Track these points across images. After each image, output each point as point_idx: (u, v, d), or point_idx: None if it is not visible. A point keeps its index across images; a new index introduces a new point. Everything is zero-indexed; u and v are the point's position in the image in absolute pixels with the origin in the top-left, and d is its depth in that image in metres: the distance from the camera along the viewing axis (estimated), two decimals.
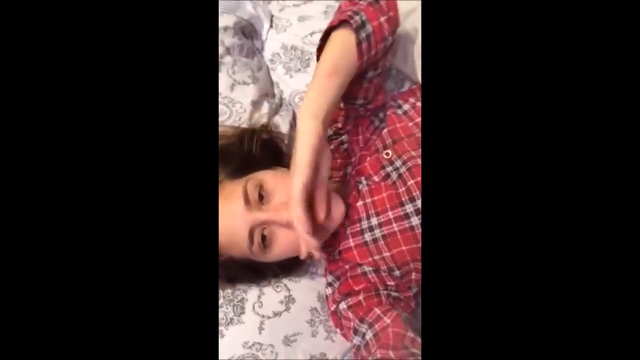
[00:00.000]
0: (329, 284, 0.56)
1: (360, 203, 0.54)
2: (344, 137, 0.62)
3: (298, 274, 0.60)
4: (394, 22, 0.53)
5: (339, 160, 0.60)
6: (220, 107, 0.63)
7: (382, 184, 0.54)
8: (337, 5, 0.73)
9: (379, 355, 0.44)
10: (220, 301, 0.56)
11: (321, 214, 0.47)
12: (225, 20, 0.67)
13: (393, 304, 0.51)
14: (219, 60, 0.65)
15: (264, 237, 0.49)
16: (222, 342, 0.54)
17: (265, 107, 0.65)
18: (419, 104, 0.59)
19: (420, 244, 0.51)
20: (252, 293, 0.57)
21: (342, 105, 0.60)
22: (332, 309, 0.55)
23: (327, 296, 0.56)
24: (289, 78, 0.71)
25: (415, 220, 0.51)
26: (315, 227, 0.48)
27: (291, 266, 0.58)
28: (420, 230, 0.50)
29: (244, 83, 0.65)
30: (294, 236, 0.49)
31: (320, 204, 0.47)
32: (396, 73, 0.67)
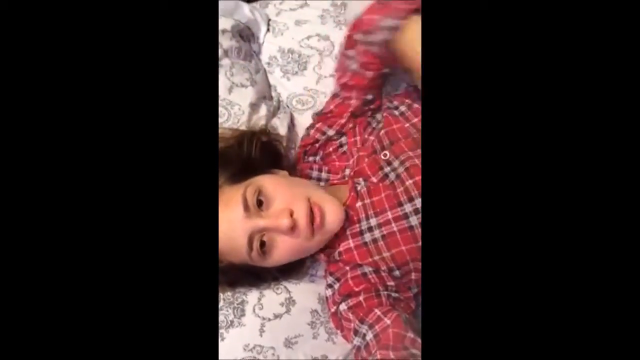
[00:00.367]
0: (329, 286, 0.56)
1: (359, 204, 0.54)
2: (343, 139, 0.62)
3: (297, 277, 0.60)
4: None
5: (337, 163, 0.61)
6: (219, 109, 0.63)
7: (381, 184, 0.54)
8: (332, 9, 0.75)
9: (379, 356, 0.44)
10: (221, 304, 0.56)
11: (317, 219, 0.48)
12: (223, 23, 0.67)
13: (393, 304, 0.51)
14: (218, 62, 0.65)
15: (263, 244, 0.49)
16: (222, 345, 0.53)
17: (263, 110, 0.66)
18: (416, 105, 0.60)
19: (419, 244, 0.51)
20: (252, 295, 0.57)
21: (353, 101, 0.60)
22: (333, 310, 0.54)
23: (327, 298, 0.56)
24: (287, 81, 0.72)
25: (414, 220, 0.51)
26: (315, 232, 0.48)
27: (291, 269, 0.58)
28: (419, 230, 0.51)
29: (242, 85, 0.65)
30: (294, 242, 0.49)
31: (317, 210, 0.48)
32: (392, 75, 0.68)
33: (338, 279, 0.55)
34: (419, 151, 0.53)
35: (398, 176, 0.53)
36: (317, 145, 0.63)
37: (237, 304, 0.56)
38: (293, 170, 0.61)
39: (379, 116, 0.62)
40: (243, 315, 0.55)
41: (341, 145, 0.62)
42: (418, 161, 0.52)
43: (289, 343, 0.54)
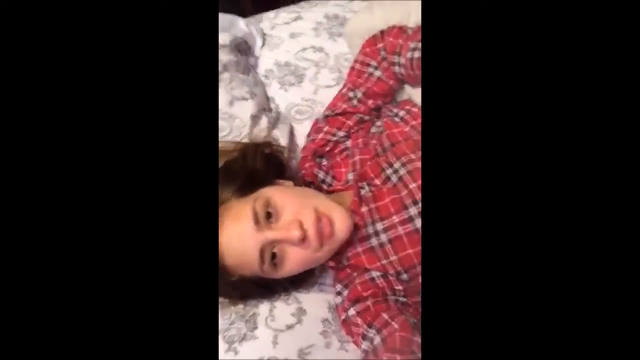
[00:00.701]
0: (338, 293, 0.56)
1: (364, 209, 0.55)
2: (348, 142, 0.63)
3: (307, 286, 0.60)
4: None
5: (342, 170, 0.61)
6: (221, 122, 0.63)
7: (384, 188, 0.55)
8: (326, 22, 0.76)
9: (385, 359, 0.44)
10: (233, 317, 0.55)
11: (326, 229, 0.48)
12: (222, 37, 0.68)
13: (401, 309, 0.52)
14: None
15: (274, 256, 0.49)
16: (237, 359, 0.53)
17: (264, 122, 0.66)
18: (414, 109, 0.62)
19: None
20: (263, 307, 0.56)
21: (370, 102, 0.64)
22: (343, 317, 0.54)
23: (337, 305, 0.56)
24: (284, 92, 0.73)
25: (420, 223, 0.52)
26: (324, 242, 0.49)
27: (301, 279, 0.58)
28: None
29: (243, 98, 0.66)
30: (304, 253, 0.49)
31: (326, 221, 0.49)
32: None
33: (346, 286, 0.55)
34: (420, 153, 0.55)
35: (400, 178, 0.54)
36: (327, 148, 0.64)
37: (249, 317, 0.55)
38: (296, 180, 0.62)
39: (379, 122, 0.63)
40: (255, 327, 0.55)
41: (346, 149, 0.63)
42: (419, 164, 0.53)
43: (302, 354, 0.54)
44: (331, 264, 0.57)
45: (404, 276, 0.54)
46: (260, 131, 0.65)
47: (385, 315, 0.49)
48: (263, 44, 0.76)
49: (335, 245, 0.52)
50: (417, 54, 0.57)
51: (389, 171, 0.55)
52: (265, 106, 0.70)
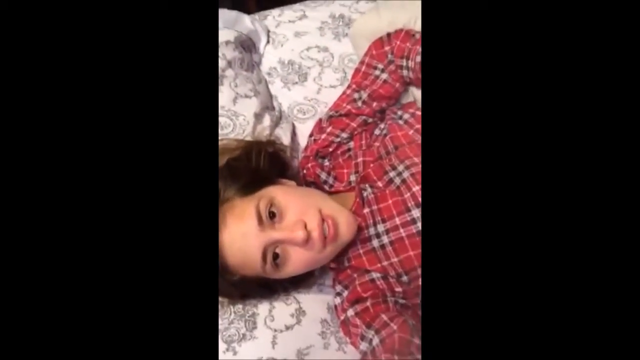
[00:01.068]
0: (338, 294, 0.56)
1: (366, 210, 0.55)
2: (351, 144, 0.63)
3: (306, 286, 0.59)
4: None
5: (344, 171, 0.61)
6: (224, 119, 0.63)
7: (387, 190, 0.55)
8: (331, 21, 0.76)
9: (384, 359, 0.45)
10: (232, 317, 0.55)
11: (331, 231, 0.48)
12: (226, 34, 0.67)
13: (400, 311, 0.52)
14: (222, 73, 0.65)
15: (276, 256, 0.49)
16: (236, 359, 0.52)
17: (267, 120, 0.66)
18: (419, 112, 0.62)
19: None
20: (263, 307, 0.56)
21: (375, 105, 0.64)
22: (342, 318, 0.54)
23: (336, 306, 0.56)
24: (287, 91, 0.72)
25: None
26: (327, 244, 0.49)
27: (301, 279, 0.58)
28: None
29: (246, 96, 0.65)
30: (307, 254, 0.49)
31: (331, 223, 0.49)
32: None
33: (346, 287, 0.55)
34: None
35: (404, 181, 0.54)
36: (329, 149, 0.64)
37: (249, 317, 0.55)
38: (298, 179, 0.62)
39: (383, 125, 0.63)
40: (255, 327, 0.54)
41: (349, 150, 0.63)
42: None
43: (300, 354, 0.54)
44: (332, 265, 0.57)
45: (405, 278, 0.54)
46: (263, 129, 0.64)
47: (384, 317, 0.49)
48: (267, 42, 0.75)
49: (339, 247, 0.52)
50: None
51: (392, 174, 0.55)
52: (268, 104, 0.69)
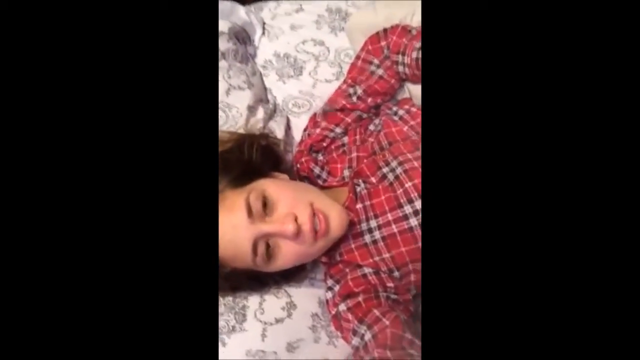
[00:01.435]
0: (329, 288, 0.56)
1: (359, 205, 0.55)
2: (345, 139, 0.63)
3: (298, 280, 0.59)
4: None
5: (338, 166, 0.61)
6: None
7: (380, 186, 0.55)
8: (327, 15, 0.76)
9: (376, 355, 0.45)
10: (222, 309, 0.54)
11: (322, 225, 0.48)
12: (220, 25, 0.67)
13: (392, 306, 0.52)
14: None
15: (267, 249, 0.49)
16: (224, 351, 0.52)
17: (260, 112, 0.65)
18: (414, 109, 0.62)
19: (419, 245, 0.52)
20: (253, 300, 0.56)
21: (370, 100, 0.64)
22: (333, 312, 0.54)
23: (327, 300, 0.56)
24: (283, 84, 0.72)
25: (414, 221, 0.52)
26: (318, 238, 0.49)
27: (292, 273, 0.58)
28: (419, 231, 0.52)
29: (240, 88, 0.65)
30: (298, 247, 0.49)
31: (322, 217, 0.49)
32: None
33: (338, 281, 0.55)
34: (418, 153, 0.55)
35: (397, 177, 0.54)
36: (323, 143, 0.63)
37: (239, 309, 0.55)
38: (291, 173, 0.61)
39: (377, 120, 0.63)
40: (244, 320, 0.54)
41: (343, 145, 0.63)
42: (417, 164, 0.54)
43: (290, 347, 0.54)
44: (324, 259, 0.57)
45: (396, 274, 0.54)
46: (257, 122, 0.64)
47: (376, 312, 0.49)
48: (263, 34, 0.74)
49: (330, 242, 0.52)
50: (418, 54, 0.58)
51: (385, 169, 0.55)
52: (262, 97, 0.69)
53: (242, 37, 0.71)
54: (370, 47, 0.64)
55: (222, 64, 0.65)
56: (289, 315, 0.56)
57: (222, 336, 0.53)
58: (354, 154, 0.60)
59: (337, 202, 0.53)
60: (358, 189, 0.56)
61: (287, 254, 0.50)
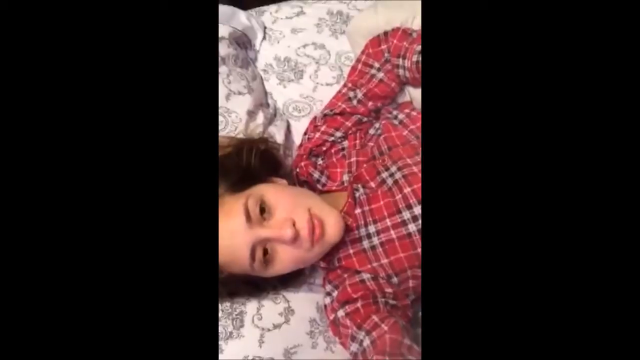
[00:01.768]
0: (328, 294, 0.56)
1: (358, 211, 0.55)
2: (345, 143, 0.63)
3: (296, 285, 0.59)
4: None
5: (338, 170, 0.61)
6: None
7: (379, 191, 0.55)
8: (328, 18, 0.75)
9: None
10: (219, 315, 0.55)
11: (317, 231, 0.48)
12: (220, 30, 0.67)
13: (390, 312, 0.52)
14: None
15: (265, 253, 0.49)
16: (222, 357, 0.52)
17: (260, 117, 0.65)
18: (414, 113, 0.61)
19: (417, 251, 0.52)
20: (251, 305, 0.56)
21: (370, 104, 0.63)
22: (331, 318, 0.54)
23: (325, 306, 0.56)
24: (283, 88, 0.72)
25: (413, 227, 0.52)
26: (314, 244, 0.48)
27: (290, 278, 0.58)
28: (417, 237, 0.51)
29: (240, 93, 0.65)
30: (295, 253, 0.49)
31: (317, 222, 0.49)
32: None
33: (336, 287, 0.55)
34: (417, 158, 0.54)
35: (395, 182, 0.53)
36: (323, 148, 0.63)
37: (236, 315, 0.55)
38: (290, 178, 0.61)
39: (377, 124, 0.63)
40: (242, 326, 0.54)
41: (343, 149, 0.63)
42: (416, 169, 0.53)
43: (288, 353, 0.54)
44: (322, 264, 0.57)
45: (395, 279, 0.54)
46: (257, 127, 0.64)
47: (375, 317, 0.49)
48: (264, 38, 0.74)
49: (326, 247, 0.52)
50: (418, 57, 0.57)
51: (384, 174, 0.55)
52: (262, 101, 0.69)
53: (243, 41, 0.71)
54: (370, 51, 0.63)
55: (222, 69, 0.65)
56: (287, 320, 0.56)
57: (220, 342, 0.53)
58: (354, 159, 0.60)
59: (336, 207, 0.53)
60: (357, 194, 0.56)
61: (285, 259, 0.50)
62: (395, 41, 0.61)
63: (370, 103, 0.63)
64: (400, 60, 0.60)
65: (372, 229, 0.54)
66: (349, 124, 0.63)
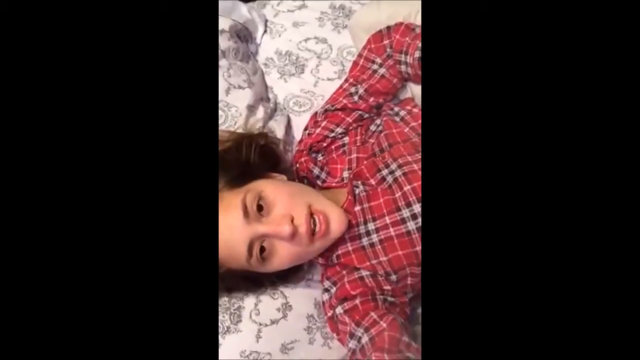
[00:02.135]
0: (326, 290, 0.56)
1: (357, 208, 0.55)
2: (345, 139, 0.62)
3: (294, 281, 0.59)
4: None
5: (338, 166, 0.61)
6: None
7: (379, 188, 0.54)
8: (331, 12, 0.74)
9: (373, 358, 0.45)
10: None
11: (322, 226, 0.48)
12: (221, 23, 0.66)
13: (389, 309, 0.52)
14: None
15: (262, 250, 0.49)
16: (219, 352, 0.53)
17: (260, 112, 0.65)
18: (416, 109, 0.61)
19: (416, 249, 0.52)
20: (248, 301, 0.56)
21: (372, 100, 0.63)
22: (329, 314, 0.54)
23: (323, 302, 0.56)
24: (284, 82, 0.71)
25: (412, 225, 0.51)
26: (316, 240, 0.48)
27: (288, 274, 0.58)
28: (416, 235, 0.51)
29: (240, 87, 0.64)
30: (294, 249, 0.49)
31: (322, 218, 0.49)
32: None
33: (335, 283, 0.55)
34: (418, 156, 0.54)
35: (395, 180, 0.53)
36: (323, 143, 0.63)
37: (234, 310, 0.55)
38: (290, 173, 0.61)
39: (378, 121, 0.62)
40: (240, 321, 0.55)
41: (343, 145, 0.62)
42: (416, 166, 0.53)
43: (285, 349, 0.54)
44: (321, 260, 0.57)
45: (393, 277, 0.54)
46: (257, 122, 0.64)
47: (373, 315, 0.49)
48: (265, 31, 0.74)
49: (327, 243, 0.52)
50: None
51: (384, 172, 0.55)
52: (263, 96, 0.68)
53: (244, 35, 0.71)
54: (372, 46, 0.63)
55: (223, 62, 0.64)
56: (284, 316, 0.56)
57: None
58: (354, 155, 0.60)
59: (336, 204, 0.53)
60: (357, 190, 0.56)
61: (283, 255, 0.50)
62: (397, 36, 0.60)
63: (371, 99, 0.63)
64: (403, 56, 0.60)
65: (371, 226, 0.53)
66: (349, 119, 0.62)
